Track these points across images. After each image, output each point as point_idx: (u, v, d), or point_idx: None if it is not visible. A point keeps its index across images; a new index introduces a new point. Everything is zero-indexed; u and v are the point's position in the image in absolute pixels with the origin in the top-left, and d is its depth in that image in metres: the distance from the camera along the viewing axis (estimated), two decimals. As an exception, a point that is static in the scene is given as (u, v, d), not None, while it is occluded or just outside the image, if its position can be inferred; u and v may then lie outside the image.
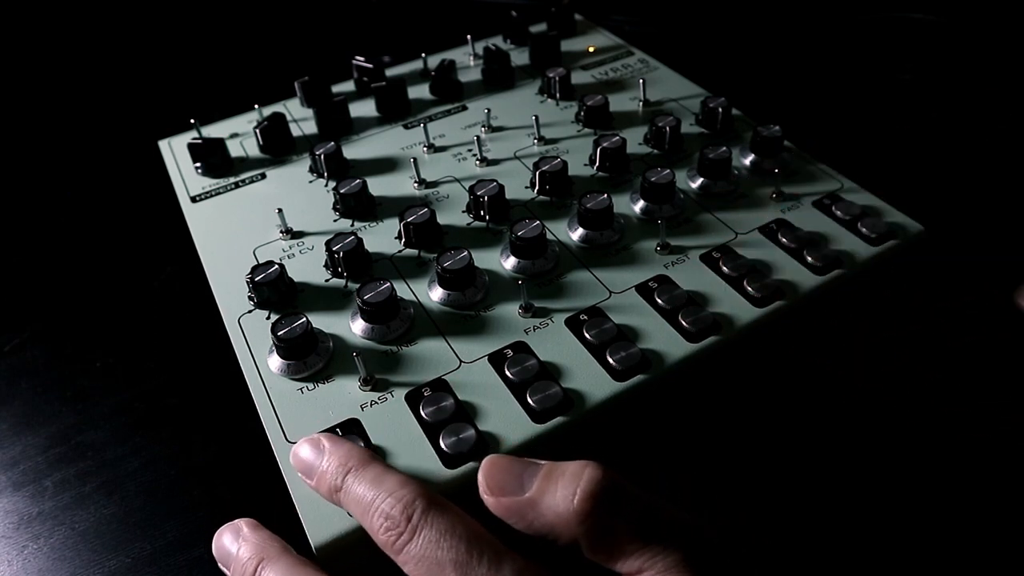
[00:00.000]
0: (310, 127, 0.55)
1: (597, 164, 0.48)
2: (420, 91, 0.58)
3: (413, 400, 0.36)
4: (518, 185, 0.48)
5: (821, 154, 0.49)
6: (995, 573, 0.35)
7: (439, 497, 0.29)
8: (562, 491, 0.28)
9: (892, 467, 0.39)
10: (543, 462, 0.30)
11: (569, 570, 0.28)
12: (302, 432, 0.35)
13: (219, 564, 0.32)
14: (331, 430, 0.35)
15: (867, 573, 0.35)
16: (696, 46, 0.75)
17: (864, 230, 0.43)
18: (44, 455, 0.44)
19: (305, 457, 0.32)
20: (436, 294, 0.41)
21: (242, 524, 0.32)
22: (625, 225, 0.45)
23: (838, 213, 0.44)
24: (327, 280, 0.43)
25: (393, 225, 0.46)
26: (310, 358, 0.38)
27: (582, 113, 0.53)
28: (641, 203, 0.45)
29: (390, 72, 0.60)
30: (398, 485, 0.29)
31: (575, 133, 0.52)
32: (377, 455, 0.33)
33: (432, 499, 0.29)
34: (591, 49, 0.62)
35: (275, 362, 0.38)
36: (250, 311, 0.42)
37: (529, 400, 0.35)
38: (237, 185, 0.51)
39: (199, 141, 0.52)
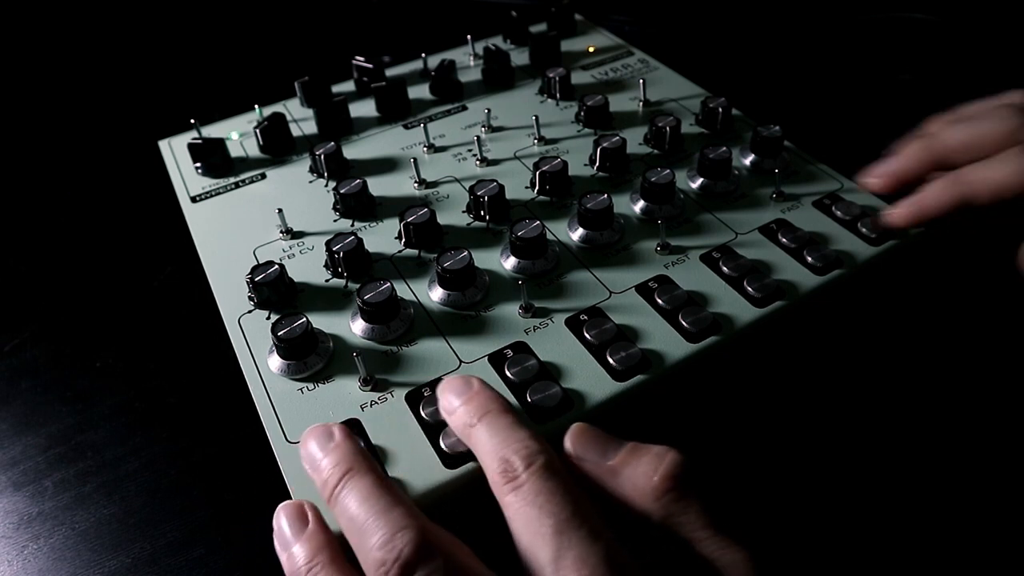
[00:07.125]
0: (310, 127, 0.55)
1: (597, 164, 0.48)
2: (420, 91, 0.58)
3: (413, 400, 0.36)
4: (518, 185, 0.48)
5: (821, 154, 0.49)
6: (997, 573, 0.35)
7: (561, 464, 0.29)
8: (644, 467, 0.29)
9: (893, 467, 0.39)
10: (627, 441, 0.31)
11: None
12: (302, 432, 0.35)
13: (305, 466, 0.32)
14: (331, 430, 0.35)
15: (868, 574, 0.35)
16: (696, 46, 0.75)
17: (864, 230, 0.43)
18: (44, 455, 0.44)
19: (448, 394, 0.33)
20: (436, 294, 0.41)
21: (335, 429, 0.32)
22: (625, 225, 0.45)
23: (838, 213, 0.44)
24: (327, 280, 0.43)
25: (393, 225, 0.46)
26: (310, 358, 0.38)
27: (582, 113, 0.53)
28: (641, 203, 0.45)
29: (390, 72, 0.60)
30: (528, 437, 0.30)
31: (575, 133, 0.52)
32: (516, 409, 0.33)
33: (554, 461, 0.29)
34: (591, 49, 0.62)
35: (275, 362, 0.38)
36: (250, 311, 0.42)
37: (529, 400, 0.35)
38: (237, 185, 0.51)
39: (199, 141, 0.52)
